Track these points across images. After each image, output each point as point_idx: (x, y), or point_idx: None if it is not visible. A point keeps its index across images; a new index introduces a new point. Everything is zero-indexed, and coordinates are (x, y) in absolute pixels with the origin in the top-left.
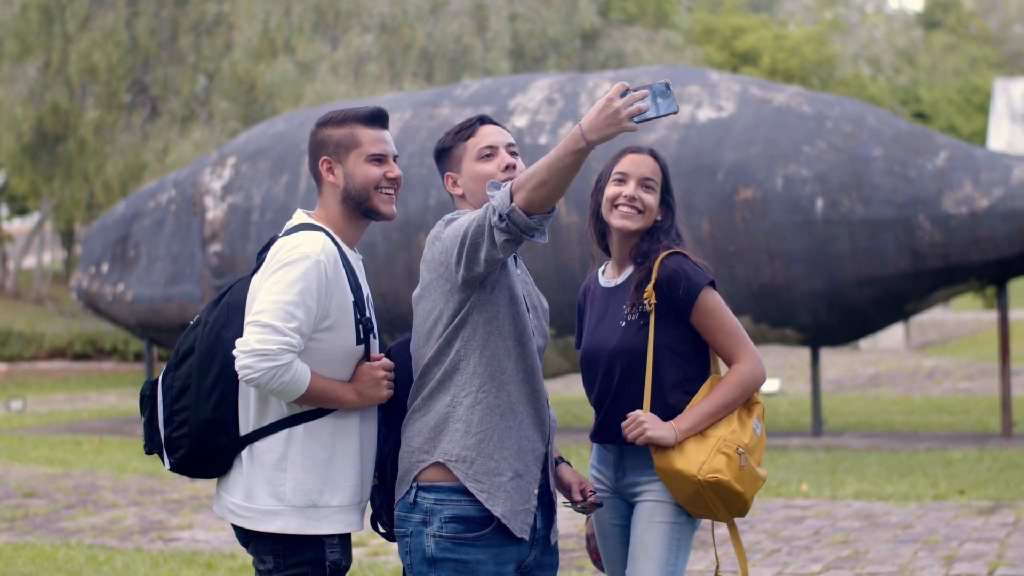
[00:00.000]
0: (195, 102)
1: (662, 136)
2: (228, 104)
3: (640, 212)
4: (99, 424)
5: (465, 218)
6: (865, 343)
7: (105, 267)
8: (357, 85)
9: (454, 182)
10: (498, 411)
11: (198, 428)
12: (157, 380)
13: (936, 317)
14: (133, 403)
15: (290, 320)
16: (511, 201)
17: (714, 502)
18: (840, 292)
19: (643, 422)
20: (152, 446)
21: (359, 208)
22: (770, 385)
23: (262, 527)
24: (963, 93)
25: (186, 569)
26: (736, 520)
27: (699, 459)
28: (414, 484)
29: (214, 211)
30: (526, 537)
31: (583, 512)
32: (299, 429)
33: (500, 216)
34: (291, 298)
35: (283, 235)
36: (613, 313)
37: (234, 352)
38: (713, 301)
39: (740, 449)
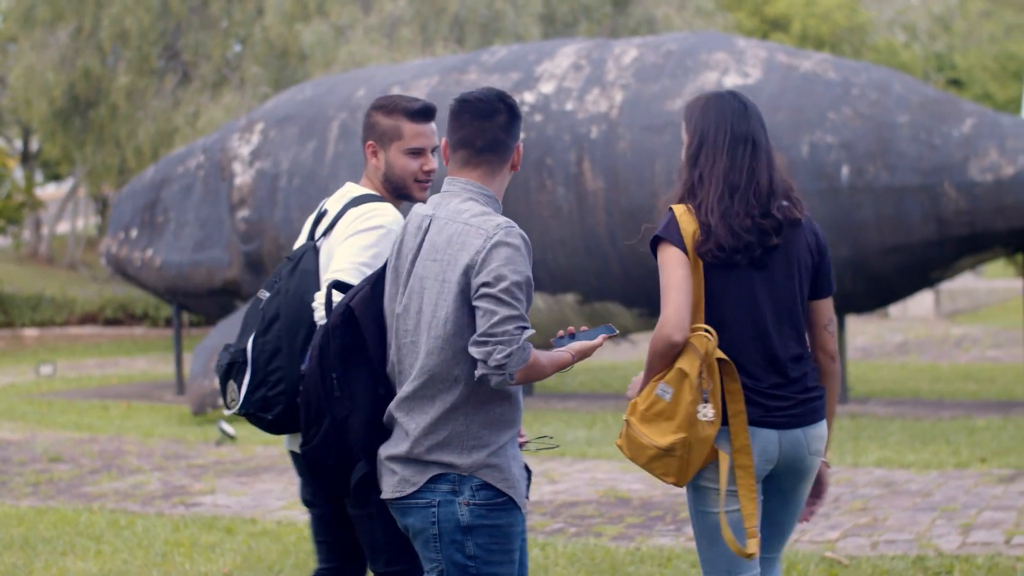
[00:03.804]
0: (226, 67)
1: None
2: (260, 69)
3: None
4: (128, 389)
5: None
6: (894, 310)
7: (134, 233)
8: (391, 49)
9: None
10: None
11: (293, 384)
12: (246, 347)
13: (967, 285)
14: (163, 368)
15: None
16: (509, 377)
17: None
18: (865, 259)
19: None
20: (247, 406)
21: (396, 192)
22: None
23: None
24: (999, 60)
25: (206, 534)
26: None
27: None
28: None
29: (242, 177)
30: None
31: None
32: None
33: (501, 373)
34: (365, 259)
35: (350, 205)
36: None
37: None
38: (661, 256)
39: (626, 416)
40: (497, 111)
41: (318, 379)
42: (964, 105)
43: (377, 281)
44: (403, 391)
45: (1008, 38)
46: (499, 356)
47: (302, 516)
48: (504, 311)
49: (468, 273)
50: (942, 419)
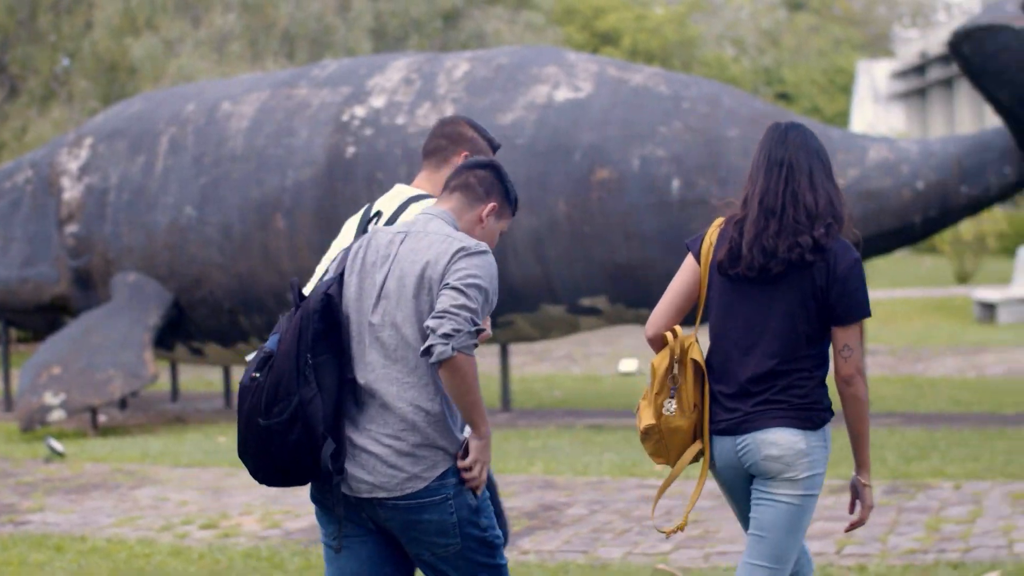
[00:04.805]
0: (55, 81)
1: (519, 117)
2: (88, 83)
3: None
4: None
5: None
6: None
7: None
8: (220, 63)
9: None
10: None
11: None
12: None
13: None
14: None
15: None
16: (451, 350)
17: None
18: None
19: None
20: None
21: None
22: (628, 365)
23: None
24: (827, 74)
25: (35, 552)
26: (589, 499)
27: None
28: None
29: (71, 192)
30: None
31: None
32: None
33: (445, 343)
34: None
35: (411, 202)
36: None
37: None
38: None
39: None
40: (480, 167)
41: (293, 359)
42: (793, 119)
43: (339, 280)
44: (405, 382)
45: (836, 52)
46: (448, 327)
47: (132, 533)
48: (464, 300)
49: (448, 265)
50: None
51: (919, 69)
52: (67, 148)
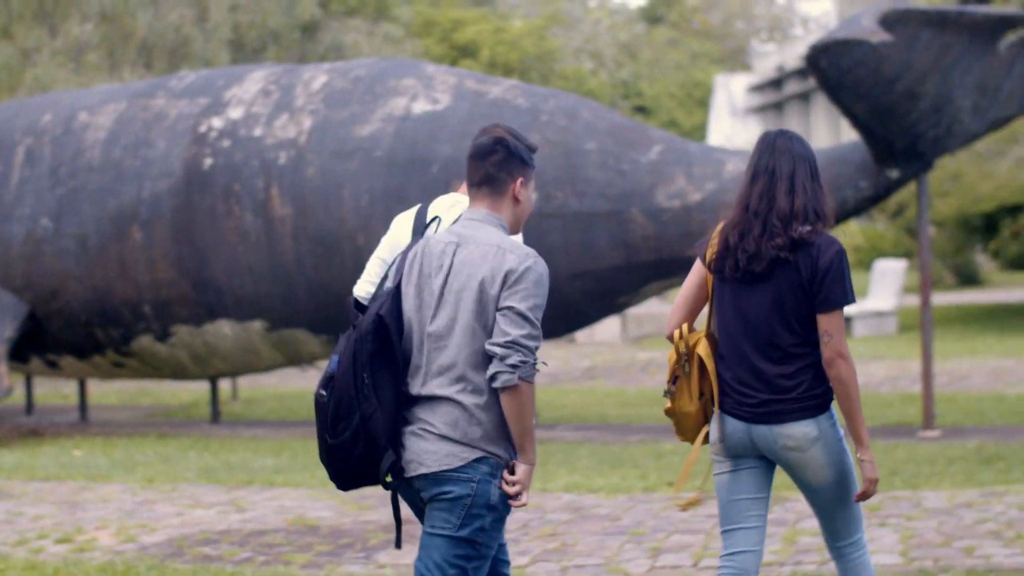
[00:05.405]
0: None
1: (377, 129)
2: None
3: None
4: None
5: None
6: (581, 336)
7: None
8: (77, 73)
9: (521, 186)
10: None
11: None
12: None
13: (652, 310)
14: None
15: None
16: (517, 379)
17: None
18: (553, 285)
19: None
20: None
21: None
22: None
23: None
24: (684, 88)
25: None
26: None
27: None
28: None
29: None
30: None
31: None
32: None
33: (512, 372)
34: None
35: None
36: None
37: None
38: None
39: None
40: (490, 152)
41: (351, 379)
42: (652, 132)
43: (395, 294)
44: (458, 387)
45: (693, 66)
46: (516, 359)
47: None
48: (528, 328)
49: (505, 281)
50: (630, 443)
51: (776, 83)
52: None
